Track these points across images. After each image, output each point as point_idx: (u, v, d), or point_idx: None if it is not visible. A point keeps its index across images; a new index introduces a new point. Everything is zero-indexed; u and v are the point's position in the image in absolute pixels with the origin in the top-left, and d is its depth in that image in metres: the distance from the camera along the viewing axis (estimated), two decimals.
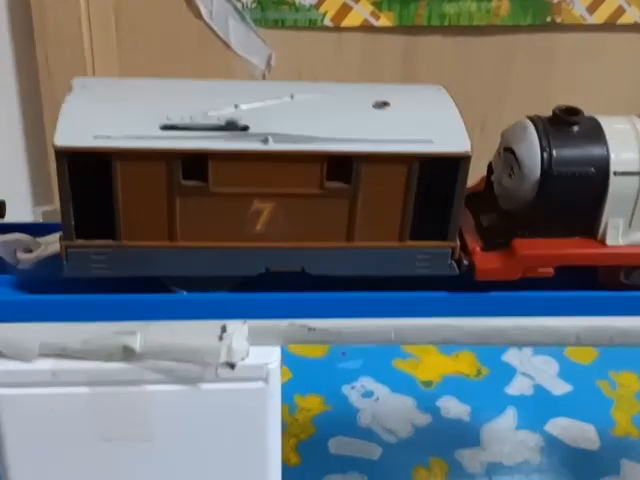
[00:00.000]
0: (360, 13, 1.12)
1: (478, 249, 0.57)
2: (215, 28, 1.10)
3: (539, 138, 0.55)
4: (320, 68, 1.13)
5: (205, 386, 0.54)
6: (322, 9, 1.12)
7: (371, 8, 1.12)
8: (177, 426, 0.56)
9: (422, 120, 0.55)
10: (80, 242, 0.54)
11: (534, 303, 0.58)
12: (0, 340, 0.53)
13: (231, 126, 0.53)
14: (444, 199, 0.54)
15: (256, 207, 0.54)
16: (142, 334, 0.54)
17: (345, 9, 1.12)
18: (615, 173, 0.55)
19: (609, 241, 0.56)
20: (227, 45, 1.12)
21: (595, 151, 0.55)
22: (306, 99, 0.57)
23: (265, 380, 0.55)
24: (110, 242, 0.54)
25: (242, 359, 0.54)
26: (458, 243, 0.55)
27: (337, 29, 1.13)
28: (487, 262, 0.56)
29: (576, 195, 0.56)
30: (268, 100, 0.55)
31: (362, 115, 0.56)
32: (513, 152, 0.55)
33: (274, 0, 1.11)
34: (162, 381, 0.54)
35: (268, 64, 1.14)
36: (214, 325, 0.54)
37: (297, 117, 0.54)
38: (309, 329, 0.56)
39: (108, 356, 0.54)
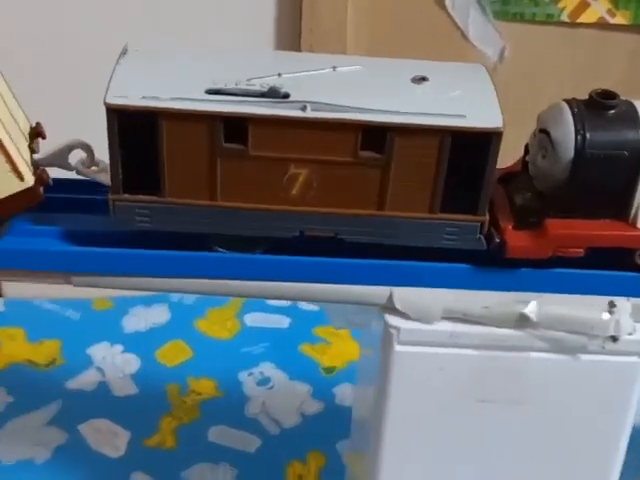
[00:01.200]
0: (597, 10, 1.17)
1: (510, 227, 0.59)
2: (455, 18, 1.16)
3: (574, 120, 0.56)
4: (550, 62, 1.20)
5: (585, 357, 0.59)
6: (561, 4, 1.17)
7: (608, 6, 1.15)
8: (549, 393, 0.61)
9: (458, 96, 0.57)
10: (126, 196, 0.57)
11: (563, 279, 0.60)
12: (405, 302, 0.59)
13: (273, 93, 0.55)
14: (475, 174, 0.56)
15: (292, 172, 0.56)
16: (538, 304, 0.58)
17: (583, 5, 1.17)
18: None
19: None
20: (464, 35, 1.17)
21: (629, 135, 0.56)
22: (347, 71, 0.59)
23: None
24: (154, 198, 0.57)
25: (629, 334, 0.58)
26: (487, 218, 0.58)
27: (572, 25, 1.18)
28: (518, 240, 0.58)
29: (608, 177, 0.57)
30: (311, 70, 0.57)
31: (399, 89, 0.58)
32: (548, 133, 0.57)
33: None
34: (547, 349, 0.59)
35: (501, 56, 1.19)
36: (601, 300, 0.59)
37: (336, 88, 0.57)
38: None
39: (503, 322, 0.59)
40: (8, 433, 0.98)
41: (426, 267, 0.59)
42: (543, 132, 0.58)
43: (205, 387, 1.06)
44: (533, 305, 0.58)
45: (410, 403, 0.61)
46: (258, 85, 0.56)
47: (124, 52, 0.58)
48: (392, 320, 0.59)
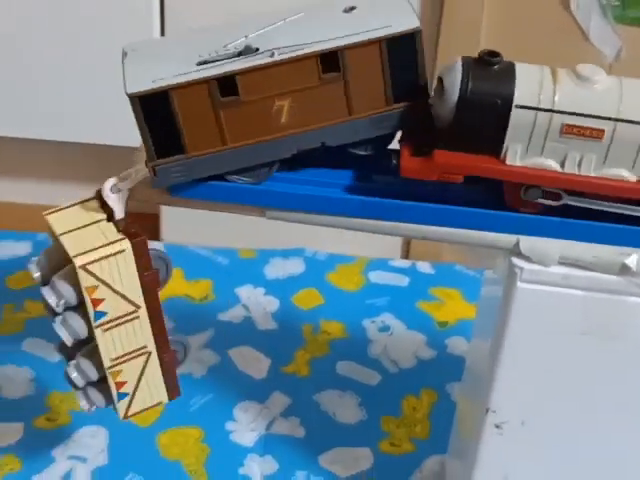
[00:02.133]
0: None
1: (407, 153, 0.71)
2: (578, 19, 1.28)
3: (462, 71, 0.68)
4: None
5: None
6: None
7: None
8: None
9: (382, 14, 0.70)
10: (161, 160, 0.71)
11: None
12: (529, 248, 0.73)
13: (247, 50, 0.69)
14: (410, 67, 0.70)
15: (278, 104, 0.70)
16: (639, 256, 0.71)
17: None
18: (516, 106, 0.68)
19: (508, 161, 0.70)
20: (585, 35, 1.29)
21: (503, 87, 0.68)
22: (295, 19, 0.73)
23: None
24: (182, 156, 0.71)
25: None
26: (428, 99, 0.71)
27: None
28: (411, 163, 0.71)
29: (485, 120, 0.68)
30: (268, 27, 0.72)
31: (337, 20, 0.72)
32: (441, 80, 0.69)
33: (637, 1, 1.27)
34: None
35: (617, 56, 1.30)
36: None
37: (292, 33, 0.70)
38: None
39: (608, 270, 0.72)
40: None
41: (546, 220, 0.73)
42: (439, 80, 0.70)
43: (334, 329, 1.23)
44: (634, 257, 0.71)
45: (526, 334, 0.75)
46: (233, 48, 0.69)
47: (124, 54, 0.72)
48: (517, 262, 0.73)
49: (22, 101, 1.29)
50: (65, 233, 0.74)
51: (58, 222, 0.75)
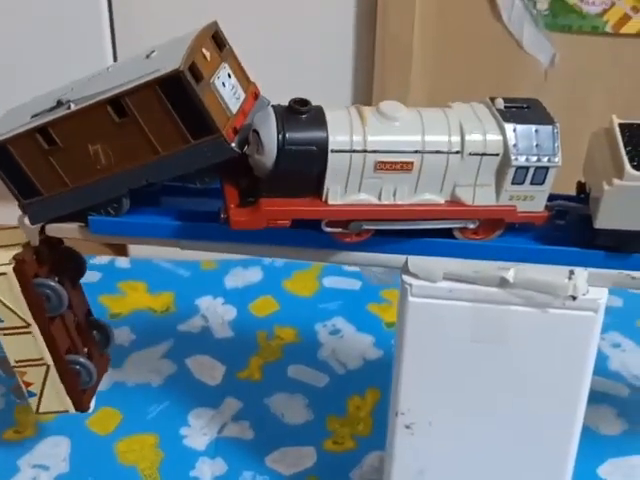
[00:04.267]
0: (638, 22, 1.35)
1: (233, 205, 0.74)
2: (511, 29, 1.36)
3: (277, 122, 0.71)
4: (596, 67, 1.39)
5: (551, 311, 0.78)
6: (605, 17, 1.35)
7: None
8: (522, 339, 0.81)
9: (164, 57, 0.74)
10: (27, 201, 0.81)
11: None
12: (416, 267, 0.80)
13: (58, 104, 0.76)
14: (192, 105, 0.72)
15: (92, 149, 0.76)
16: (515, 270, 0.78)
17: (625, 18, 1.35)
18: (332, 151, 0.72)
19: (330, 201, 0.75)
20: (519, 45, 1.37)
21: (317, 134, 0.71)
22: (114, 68, 0.82)
23: (595, 311, 0.78)
24: (39, 197, 0.80)
25: (583, 294, 0.77)
26: (224, 132, 0.74)
27: (615, 35, 1.36)
28: (239, 215, 0.74)
29: (305, 167, 0.72)
30: (92, 78, 0.81)
31: (135, 66, 0.76)
32: (258, 133, 0.73)
33: (565, 8, 1.35)
34: (522, 304, 0.79)
35: (552, 63, 1.38)
36: (564, 269, 0.79)
37: (100, 83, 0.76)
38: (632, 278, 0.80)
39: (489, 283, 0.78)
40: (131, 363, 1.24)
41: (432, 242, 0.80)
42: (255, 132, 0.72)
43: (287, 334, 1.30)
44: (512, 271, 0.78)
45: (422, 343, 0.82)
46: (53, 102, 0.76)
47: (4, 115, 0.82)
48: (407, 279, 0.80)
49: None
50: None
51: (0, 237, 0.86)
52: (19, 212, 0.84)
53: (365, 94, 1.39)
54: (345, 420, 1.16)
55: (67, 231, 0.84)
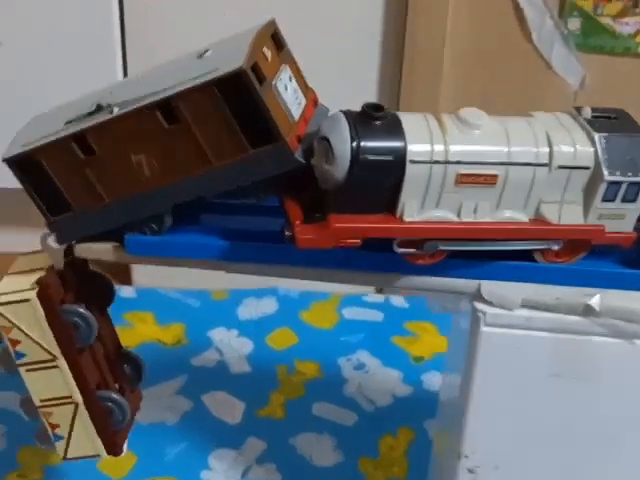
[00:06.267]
0: None
1: (298, 222, 0.66)
2: (540, 49, 1.30)
3: (350, 131, 0.64)
4: (627, 90, 1.32)
5: (638, 341, 0.72)
6: (638, 38, 1.30)
7: None
8: (610, 370, 0.73)
9: (222, 56, 0.66)
10: (55, 218, 0.72)
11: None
12: (490, 293, 0.72)
13: (98, 109, 0.68)
14: (254, 109, 0.64)
15: (135, 158, 0.67)
16: (601, 297, 0.71)
17: None
18: (410, 161, 0.64)
19: (406, 217, 0.67)
20: (548, 65, 1.32)
21: (394, 142, 0.64)
22: (160, 70, 0.72)
23: None
24: (70, 213, 0.71)
25: None
26: (287, 140, 0.65)
27: None
28: (306, 233, 0.66)
29: (380, 179, 0.65)
30: (134, 82, 0.73)
31: (186, 66, 0.68)
32: (328, 140, 0.65)
33: (598, 29, 1.29)
34: (608, 335, 0.72)
35: (582, 84, 1.33)
36: None
37: (144, 87, 0.68)
38: None
39: (571, 311, 0.71)
40: (144, 400, 1.14)
41: (508, 265, 0.73)
42: (324, 139, 0.64)
43: (309, 369, 1.22)
44: (597, 298, 0.71)
45: (494, 377, 0.74)
46: (92, 107, 0.69)
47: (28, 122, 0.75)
48: (480, 306, 0.72)
49: None
50: (12, 274, 0.76)
51: (20, 263, 0.77)
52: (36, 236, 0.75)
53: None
54: (378, 462, 1.08)
55: (99, 252, 0.75)
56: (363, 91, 1.31)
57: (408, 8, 1.24)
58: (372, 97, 1.32)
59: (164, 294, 1.36)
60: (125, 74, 1.25)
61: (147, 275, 1.37)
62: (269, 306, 1.34)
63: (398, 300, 1.36)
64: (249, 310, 1.33)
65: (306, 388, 1.18)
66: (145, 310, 1.32)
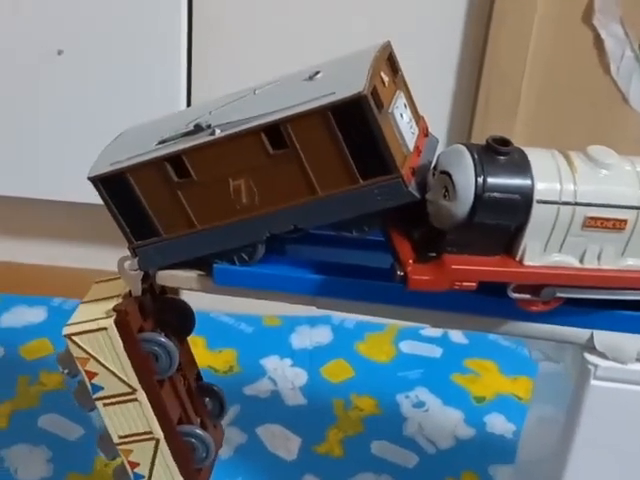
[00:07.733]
0: None
1: (411, 261, 0.62)
2: (618, 82, 1.26)
3: (474, 164, 0.59)
4: None
5: None
6: None
7: None
8: None
9: (338, 78, 0.63)
10: (139, 242, 0.68)
11: None
12: (604, 344, 0.67)
13: (197, 129, 0.64)
14: (368, 138, 0.60)
15: (234, 184, 0.63)
16: None
17: None
18: (537, 201, 0.60)
19: (527, 261, 0.62)
20: (625, 99, 1.27)
21: (521, 180, 0.60)
22: (263, 90, 0.68)
23: None
24: (156, 238, 0.67)
25: None
26: (403, 173, 0.61)
27: None
28: (420, 273, 0.61)
29: (503, 219, 0.61)
30: (234, 101, 0.68)
31: (294, 88, 0.65)
32: (450, 175, 0.60)
33: None
34: None
35: None
36: None
37: (248, 107, 0.65)
38: None
39: None
40: None
41: (625, 315, 0.68)
42: (444, 174, 0.60)
43: (367, 404, 1.16)
44: None
45: (600, 434, 0.69)
46: (188, 127, 0.65)
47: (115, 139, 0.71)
48: (591, 358, 0.68)
49: (33, 160, 1.24)
50: (87, 302, 0.72)
51: (95, 291, 0.73)
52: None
53: (460, 133, 1.28)
54: None
55: (182, 280, 0.71)
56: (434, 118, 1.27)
57: (488, 38, 1.20)
58: (444, 124, 1.28)
59: (215, 318, 1.31)
60: (189, 93, 1.20)
61: (197, 297, 1.32)
62: (323, 335, 1.29)
63: (457, 335, 1.31)
64: (302, 339, 1.28)
65: (364, 424, 1.13)
66: (196, 334, 1.27)
